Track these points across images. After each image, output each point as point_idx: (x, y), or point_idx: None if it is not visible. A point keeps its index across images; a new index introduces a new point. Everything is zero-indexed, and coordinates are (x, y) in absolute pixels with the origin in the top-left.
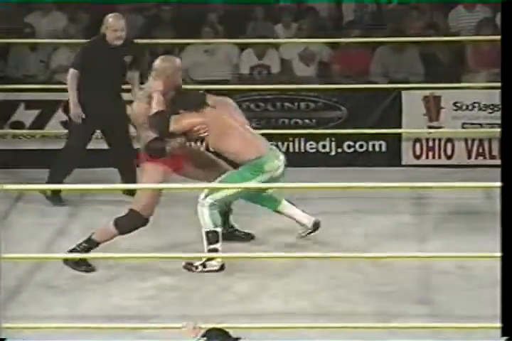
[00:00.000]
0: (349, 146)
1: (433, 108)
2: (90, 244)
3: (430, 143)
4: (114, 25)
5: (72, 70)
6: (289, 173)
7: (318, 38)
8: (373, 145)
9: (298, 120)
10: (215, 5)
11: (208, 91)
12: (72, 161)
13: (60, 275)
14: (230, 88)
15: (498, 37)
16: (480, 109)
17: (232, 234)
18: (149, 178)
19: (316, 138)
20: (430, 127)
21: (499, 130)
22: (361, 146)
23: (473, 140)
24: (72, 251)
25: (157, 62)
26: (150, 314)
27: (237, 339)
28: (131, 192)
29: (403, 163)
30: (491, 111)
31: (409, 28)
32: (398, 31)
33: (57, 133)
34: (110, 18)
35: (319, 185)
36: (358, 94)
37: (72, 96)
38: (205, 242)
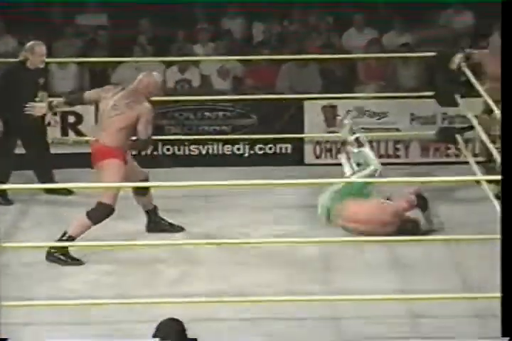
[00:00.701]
0: (260, 149)
1: (330, 115)
2: (68, 240)
3: (328, 145)
4: (40, 52)
5: None
6: (209, 172)
7: (233, 56)
8: (280, 148)
9: (216, 127)
10: (144, 28)
11: None
12: (6, 168)
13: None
14: (158, 99)
15: (384, 55)
16: (369, 116)
17: (159, 225)
18: (115, 172)
19: (232, 142)
20: (328, 132)
21: (385, 133)
22: (270, 148)
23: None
24: (50, 251)
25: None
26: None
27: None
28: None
29: (306, 162)
30: (378, 117)
31: (309, 47)
32: (300, 50)
33: None
34: (36, 46)
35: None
36: (267, 104)
37: None
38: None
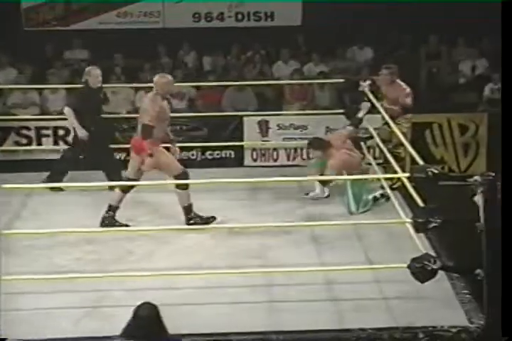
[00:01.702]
0: (210, 154)
1: (264, 128)
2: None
3: (263, 151)
4: (95, 74)
5: (66, 108)
6: None
7: (188, 83)
8: (225, 153)
9: (176, 137)
10: (118, 61)
11: None
12: (67, 168)
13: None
14: (130, 116)
15: (305, 81)
16: (294, 129)
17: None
18: (163, 153)
19: (188, 149)
20: (263, 141)
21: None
22: (217, 154)
23: (290, 148)
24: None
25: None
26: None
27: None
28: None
29: (245, 164)
30: (301, 129)
31: (246, 76)
32: (239, 77)
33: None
34: (92, 70)
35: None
36: (214, 120)
37: (76, 124)
38: None
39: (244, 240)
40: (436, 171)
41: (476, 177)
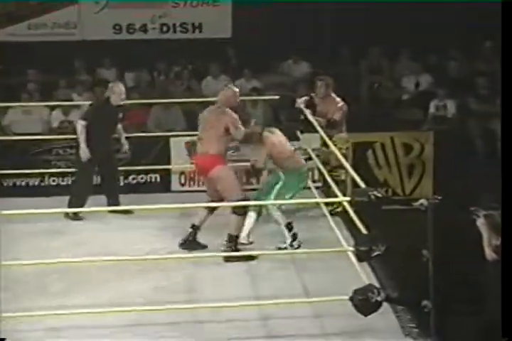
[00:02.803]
0: (133, 179)
1: (193, 149)
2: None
3: (191, 175)
4: (119, 91)
5: (82, 121)
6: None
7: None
8: (151, 177)
9: None
10: (32, 77)
11: None
12: (86, 192)
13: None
14: (44, 138)
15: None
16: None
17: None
18: (229, 174)
19: None
20: (191, 163)
21: (240, 164)
22: (142, 178)
23: None
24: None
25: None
26: None
27: None
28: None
29: (172, 189)
30: (233, 150)
31: (173, 93)
32: (165, 95)
33: None
34: (115, 86)
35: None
36: (138, 141)
37: (82, 142)
38: None
39: (172, 272)
40: (379, 195)
41: (422, 201)
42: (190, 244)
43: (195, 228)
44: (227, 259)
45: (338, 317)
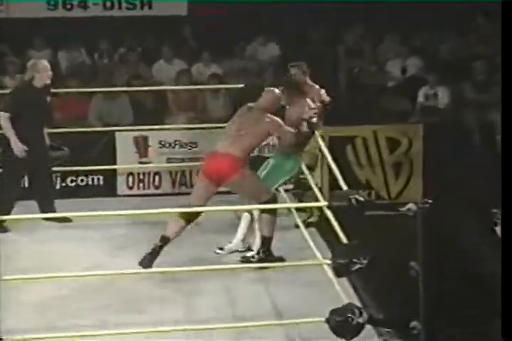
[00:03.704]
0: (72, 181)
1: (142, 146)
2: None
3: (141, 176)
4: (44, 68)
5: (3, 113)
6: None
7: None
8: (92, 179)
9: None
10: None
11: None
12: (13, 196)
13: None
14: None
15: (194, 86)
16: (181, 146)
17: None
18: (253, 176)
19: None
20: (141, 162)
21: (198, 163)
22: (82, 180)
23: (176, 172)
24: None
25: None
26: None
27: None
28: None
29: (119, 193)
30: (190, 147)
31: (118, 79)
32: (109, 82)
33: None
34: (39, 63)
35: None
36: (77, 137)
37: (12, 136)
38: None
39: (121, 289)
40: (360, 198)
41: (410, 206)
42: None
43: (165, 241)
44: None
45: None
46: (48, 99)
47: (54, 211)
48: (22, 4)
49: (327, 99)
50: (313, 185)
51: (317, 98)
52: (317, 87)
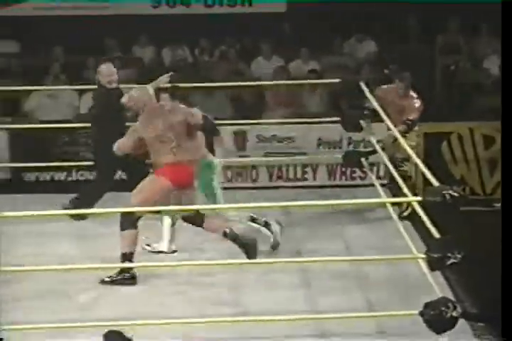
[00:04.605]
0: None
1: (240, 140)
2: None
3: (239, 170)
4: (106, 72)
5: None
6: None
7: (144, 84)
8: None
9: None
10: (57, 55)
11: None
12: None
13: None
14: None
15: (291, 81)
16: (278, 141)
17: None
18: None
19: None
20: (239, 156)
21: (294, 157)
22: None
23: (273, 166)
24: None
25: None
26: None
27: None
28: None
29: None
30: (286, 142)
31: (218, 75)
32: (209, 78)
33: None
34: (103, 67)
35: None
36: None
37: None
38: None
39: (214, 282)
40: (455, 194)
41: None
42: None
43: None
44: None
45: (407, 334)
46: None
47: None
48: (127, 1)
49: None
50: (401, 183)
51: (413, 108)
52: (416, 99)
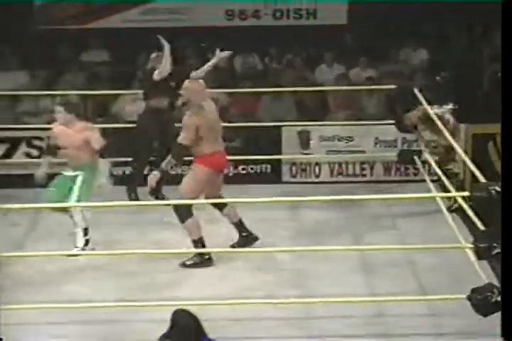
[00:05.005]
0: (243, 169)
1: (305, 140)
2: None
3: (303, 166)
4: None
5: None
6: None
7: (219, 88)
8: (261, 168)
9: None
10: (141, 63)
11: None
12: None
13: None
14: None
15: (351, 87)
16: (339, 140)
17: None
18: None
19: None
20: (303, 154)
21: (353, 155)
22: (252, 168)
23: (334, 163)
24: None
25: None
26: None
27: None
28: None
29: (283, 180)
30: (347, 141)
31: (285, 81)
32: (277, 84)
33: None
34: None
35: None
36: (249, 130)
37: None
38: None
39: (280, 267)
40: (499, 189)
41: None
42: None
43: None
44: None
45: (455, 316)
46: (172, 85)
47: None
48: (204, 14)
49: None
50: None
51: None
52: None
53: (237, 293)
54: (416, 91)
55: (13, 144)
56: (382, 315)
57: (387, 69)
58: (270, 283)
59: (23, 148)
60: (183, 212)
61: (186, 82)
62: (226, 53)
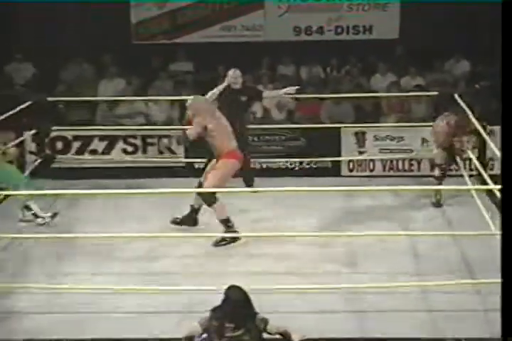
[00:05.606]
0: (307, 163)
1: (361, 139)
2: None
3: (359, 162)
4: (232, 75)
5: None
6: (271, 181)
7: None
8: (323, 163)
9: (274, 147)
10: (222, 72)
11: None
12: None
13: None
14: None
15: (402, 93)
16: (391, 140)
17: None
18: None
19: (286, 158)
20: (359, 152)
21: (403, 153)
22: (315, 163)
23: (386, 160)
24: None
25: None
26: None
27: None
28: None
29: (342, 174)
30: (398, 141)
31: (344, 88)
32: (337, 90)
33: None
34: (230, 71)
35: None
36: (312, 131)
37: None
38: None
39: (334, 248)
40: None
41: None
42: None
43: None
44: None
45: (496, 294)
46: (243, 98)
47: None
48: (275, 30)
49: None
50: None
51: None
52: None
53: (295, 269)
54: (456, 97)
55: (111, 142)
56: (429, 290)
57: (433, 78)
58: (320, 260)
59: (121, 144)
60: (209, 197)
61: (189, 100)
62: (293, 89)
